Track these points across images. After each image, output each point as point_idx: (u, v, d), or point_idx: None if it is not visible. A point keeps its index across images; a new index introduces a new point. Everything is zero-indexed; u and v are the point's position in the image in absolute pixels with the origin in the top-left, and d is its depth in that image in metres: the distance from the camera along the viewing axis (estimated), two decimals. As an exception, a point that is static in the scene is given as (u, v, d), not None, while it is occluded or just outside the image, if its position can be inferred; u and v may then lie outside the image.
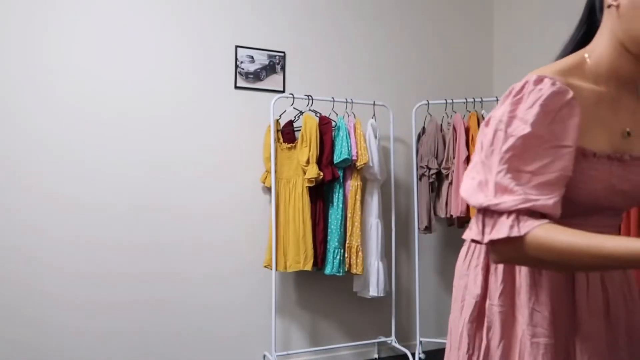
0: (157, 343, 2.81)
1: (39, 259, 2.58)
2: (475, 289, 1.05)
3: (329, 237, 2.87)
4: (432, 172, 3.09)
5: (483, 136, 0.91)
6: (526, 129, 0.85)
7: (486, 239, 0.85)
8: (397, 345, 3.20)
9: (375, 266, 2.97)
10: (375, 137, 3.02)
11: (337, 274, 2.84)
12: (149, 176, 2.81)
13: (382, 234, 3.03)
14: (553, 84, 0.87)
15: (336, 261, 2.83)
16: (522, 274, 1.00)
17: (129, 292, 2.75)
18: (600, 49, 0.94)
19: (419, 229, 3.19)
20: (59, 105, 2.64)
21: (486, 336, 1.02)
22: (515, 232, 0.81)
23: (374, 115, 3.13)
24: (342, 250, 2.86)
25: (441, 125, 3.16)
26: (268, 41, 3.10)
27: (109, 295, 2.71)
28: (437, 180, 3.14)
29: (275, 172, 2.89)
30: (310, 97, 2.94)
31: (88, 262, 2.67)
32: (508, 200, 0.82)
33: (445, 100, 3.21)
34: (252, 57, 3.06)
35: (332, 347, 3.18)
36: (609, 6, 0.91)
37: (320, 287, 3.16)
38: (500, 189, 0.84)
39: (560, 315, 0.97)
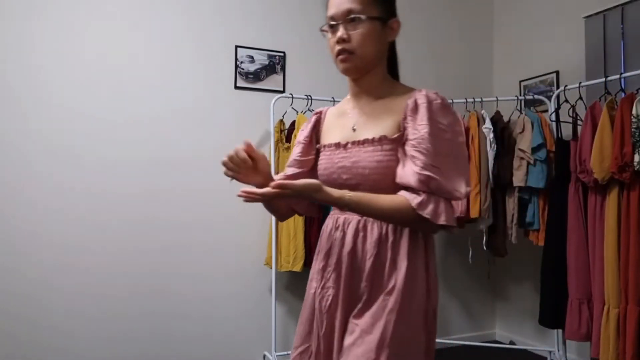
0: (158, 343, 2.80)
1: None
2: None
3: (329, 238, 2.87)
4: (432, 172, 3.07)
5: None
6: None
7: None
8: (397, 345, 3.19)
9: (375, 266, 2.97)
10: (375, 137, 3.01)
11: (338, 274, 2.84)
12: (148, 175, 2.81)
13: (382, 234, 3.02)
14: None
15: (338, 261, 2.82)
16: None
17: (127, 294, 2.75)
18: None
19: (418, 229, 3.18)
20: (56, 105, 2.64)
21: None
22: None
23: (374, 115, 3.12)
24: (343, 250, 2.85)
25: (441, 125, 3.16)
26: (268, 41, 3.10)
27: (108, 302, 2.71)
28: (437, 180, 3.13)
29: (278, 172, 2.89)
30: (309, 97, 2.94)
31: (90, 264, 2.68)
32: None
33: (445, 100, 3.20)
34: (252, 57, 3.06)
35: (332, 347, 3.17)
36: None
37: (320, 287, 3.16)
38: None
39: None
